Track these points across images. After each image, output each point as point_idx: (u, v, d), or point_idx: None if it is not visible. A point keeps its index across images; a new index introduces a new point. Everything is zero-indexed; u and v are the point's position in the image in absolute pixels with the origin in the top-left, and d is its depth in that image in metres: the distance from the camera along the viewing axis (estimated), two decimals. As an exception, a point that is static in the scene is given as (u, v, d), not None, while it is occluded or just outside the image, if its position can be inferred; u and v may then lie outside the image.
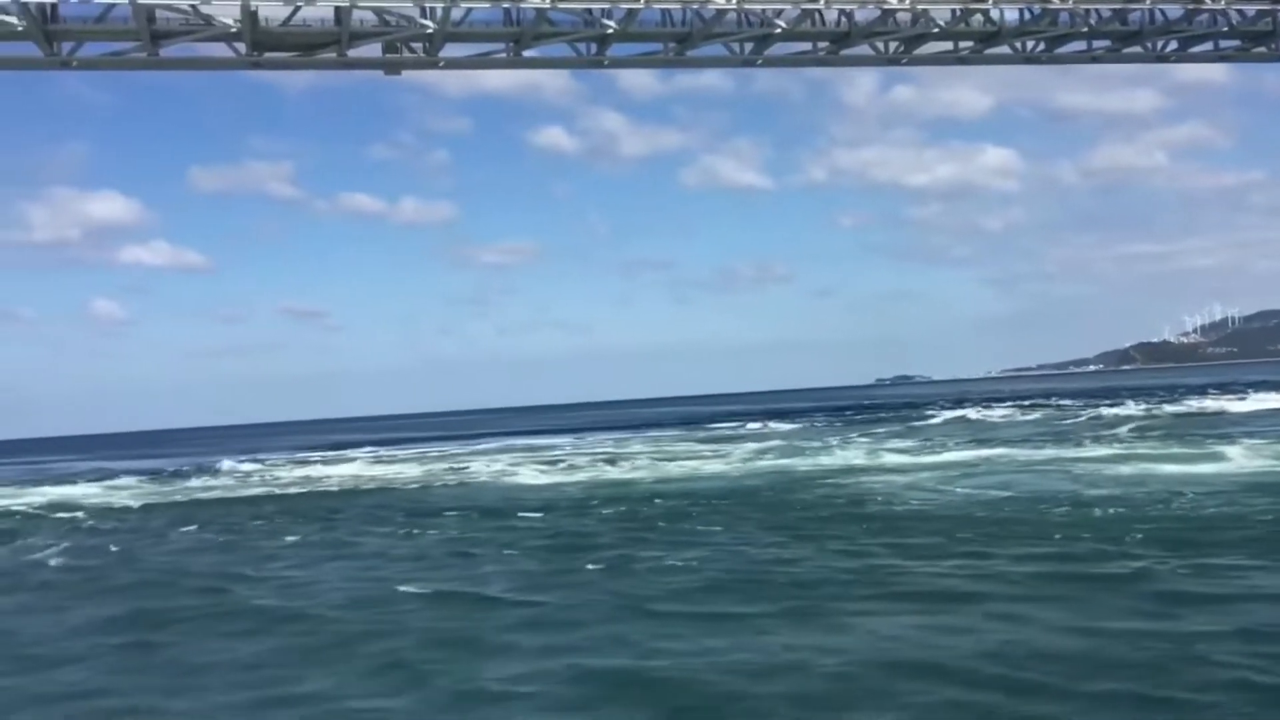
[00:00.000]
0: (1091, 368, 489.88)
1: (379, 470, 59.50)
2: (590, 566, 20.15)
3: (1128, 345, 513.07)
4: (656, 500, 32.52)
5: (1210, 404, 72.91)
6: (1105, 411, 69.91)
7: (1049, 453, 42.06)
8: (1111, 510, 23.89)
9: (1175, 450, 39.15)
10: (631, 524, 27.05)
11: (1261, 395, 74.54)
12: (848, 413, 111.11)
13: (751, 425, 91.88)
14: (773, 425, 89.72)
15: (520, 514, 31.22)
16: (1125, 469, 34.07)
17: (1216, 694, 10.10)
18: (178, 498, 47.22)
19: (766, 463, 46.22)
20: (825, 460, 46.03)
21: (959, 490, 30.78)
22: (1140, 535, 19.96)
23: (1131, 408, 75.88)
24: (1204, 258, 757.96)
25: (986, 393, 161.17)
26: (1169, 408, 74.52)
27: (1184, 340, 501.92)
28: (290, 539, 28.15)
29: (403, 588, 18.97)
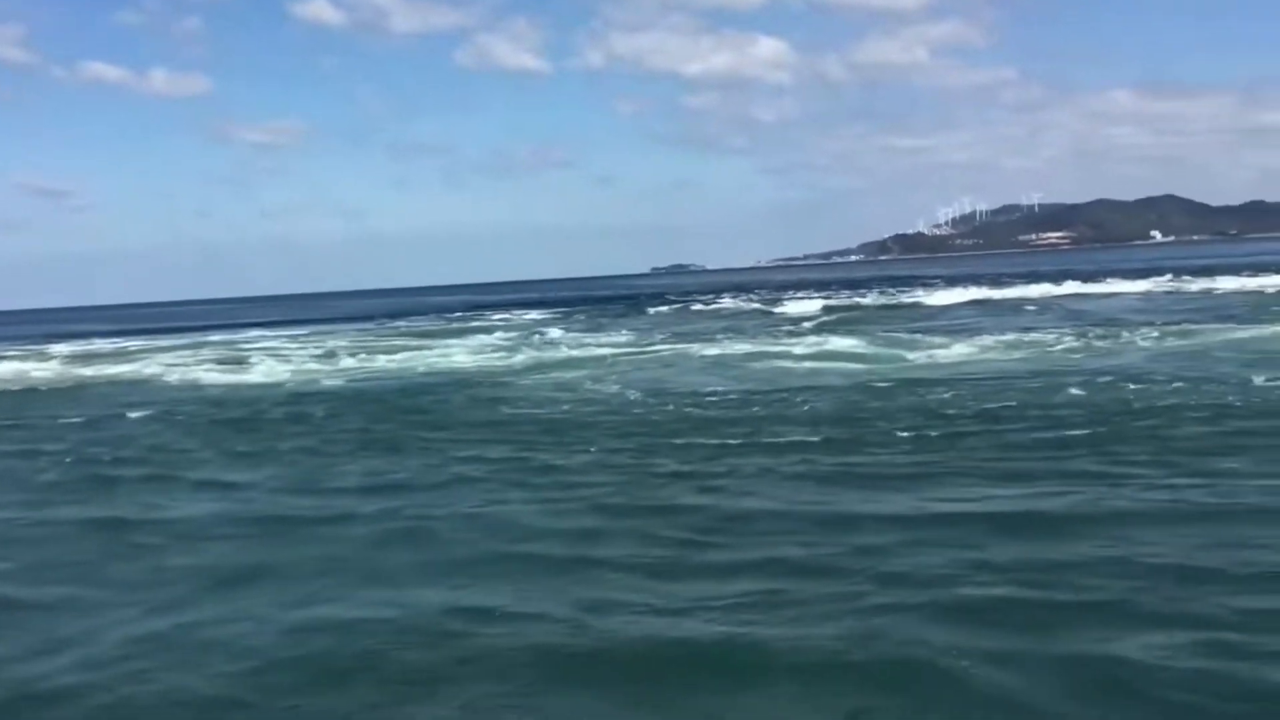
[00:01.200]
0: (853, 258, 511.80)
1: (56, 369, 54.51)
2: (99, 492, 18.09)
3: (886, 236, 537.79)
4: (291, 405, 30.39)
5: (917, 297, 76.07)
6: (811, 305, 71.70)
7: (723, 347, 42.22)
8: (694, 411, 23.52)
9: (840, 345, 39.82)
10: (229, 433, 24.89)
11: (959, 290, 78.49)
12: (599, 304, 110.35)
13: (497, 316, 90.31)
14: (519, 315, 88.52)
15: (127, 416, 28.71)
16: (779, 363, 34.30)
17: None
18: None
19: (464, 359, 44.57)
20: (521, 357, 44.79)
21: (605, 389, 30.03)
22: (681, 435, 19.73)
23: (842, 298, 78.46)
24: (958, 152, 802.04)
25: (736, 284, 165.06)
26: (880, 299, 77.50)
27: (936, 232, 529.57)
28: None
29: None
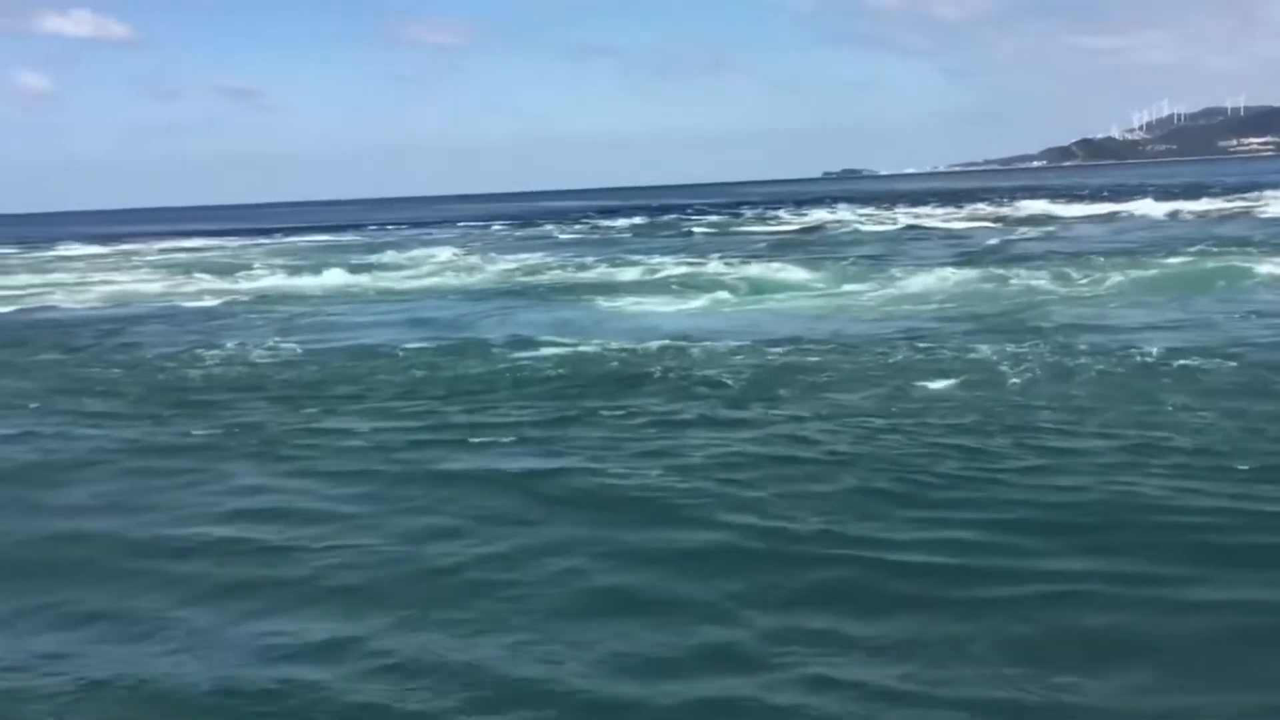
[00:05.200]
0: (1036, 164, 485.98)
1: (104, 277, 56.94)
2: None
3: (1071, 141, 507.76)
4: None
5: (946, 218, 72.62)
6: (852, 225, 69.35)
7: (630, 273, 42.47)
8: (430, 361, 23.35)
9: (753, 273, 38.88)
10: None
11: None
12: (714, 213, 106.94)
13: (578, 225, 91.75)
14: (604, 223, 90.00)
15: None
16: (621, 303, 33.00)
17: None
18: None
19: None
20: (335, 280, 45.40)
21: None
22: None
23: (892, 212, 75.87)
24: (1156, 52, 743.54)
25: (873, 192, 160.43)
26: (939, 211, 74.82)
27: (1127, 137, 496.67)
28: None
29: None
